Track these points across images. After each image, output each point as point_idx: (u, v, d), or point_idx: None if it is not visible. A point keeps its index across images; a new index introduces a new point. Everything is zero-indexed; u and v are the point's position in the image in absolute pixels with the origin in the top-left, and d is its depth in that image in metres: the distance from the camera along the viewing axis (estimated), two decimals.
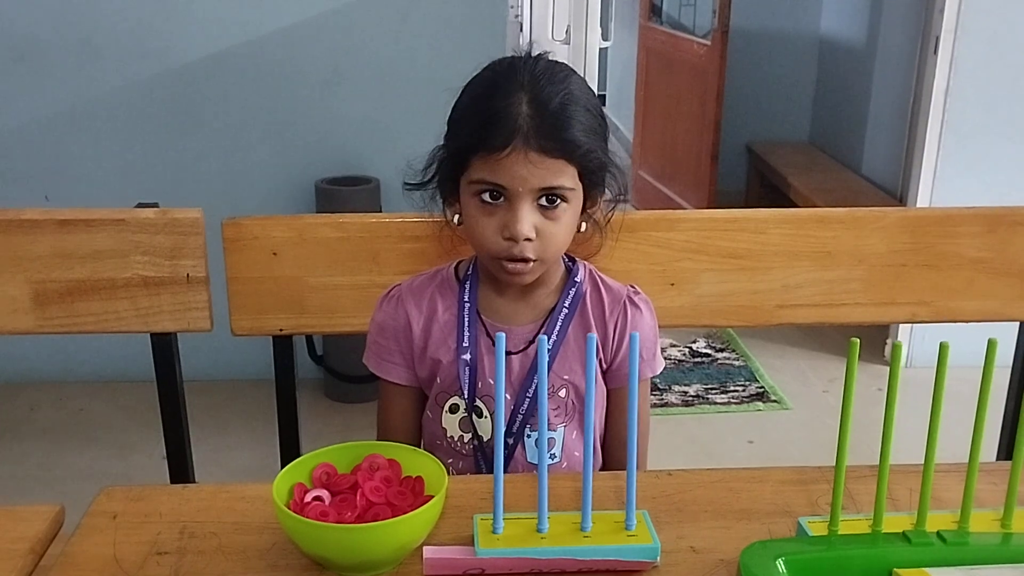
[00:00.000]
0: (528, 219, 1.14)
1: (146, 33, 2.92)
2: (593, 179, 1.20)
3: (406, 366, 1.29)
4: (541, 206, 1.15)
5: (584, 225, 1.26)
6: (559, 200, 1.15)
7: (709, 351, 3.50)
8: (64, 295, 1.42)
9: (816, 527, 0.85)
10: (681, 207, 4.35)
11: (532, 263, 1.17)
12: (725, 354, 3.49)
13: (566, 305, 1.26)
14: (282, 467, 1.54)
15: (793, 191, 4.46)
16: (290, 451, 1.55)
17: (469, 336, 1.25)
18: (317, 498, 0.85)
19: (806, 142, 5.30)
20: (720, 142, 4.36)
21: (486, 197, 1.15)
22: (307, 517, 0.81)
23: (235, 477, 2.66)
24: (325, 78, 2.99)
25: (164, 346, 1.47)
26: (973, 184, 3.24)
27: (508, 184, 1.13)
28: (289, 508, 0.83)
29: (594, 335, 0.88)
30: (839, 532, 0.83)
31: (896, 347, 0.79)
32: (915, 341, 3.37)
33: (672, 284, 1.50)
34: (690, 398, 3.20)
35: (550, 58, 1.20)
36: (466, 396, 1.24)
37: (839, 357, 3.51)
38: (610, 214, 1.31)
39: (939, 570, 0.79)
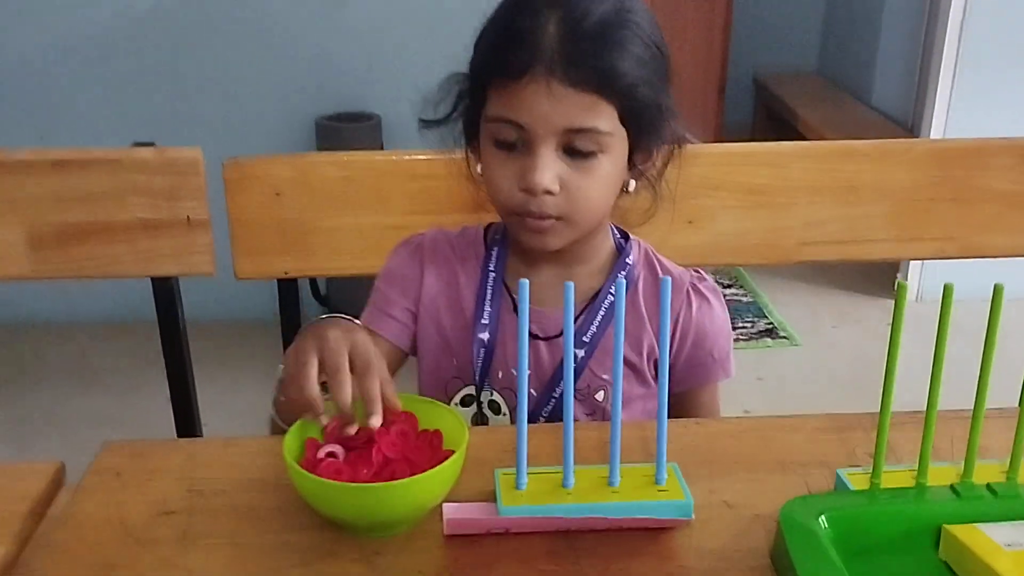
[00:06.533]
0: (548, 168, 0.93)
1: None
2: (642, 123, 0.97)
3: (404, 324, 1.09)
4: (567, 154, 0.94)
5: (633, 183, 1.03)
6: (589, 146, 0.94)
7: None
8: (60, 239, 1.37)
9: (857, 480, 0.80)
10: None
11: (553, 222, 0.96)
12: (733, 290, 3.44)
13: (612, 290, 1.04)
14: None
15: (801, 123, 4.37)
16: None
17: (490, 313, 1.06)
18: (330, 454, 0.80)
19: (814, 73, 5.19)
20: (727, 74, 4.27)
21: (502, 141, 0.95)
22: (321, 475, 0.77)
23: (242, 419, 2.62)
24: (324, 10, 2.90)
25: (165, 291, 1.43)
26: (990, 116, 3.15)
27: (525, 122, 0.92)
28: (301, 466, 0.78)
29: (623, 281, 0.75)
30: (882, 486, 0.79)
31: (947, 289, 0.74)
32: (926, 274, 3.32)
33: (689, 222, 1.44)
34: None
35: None
36: (477, 382, 1.07)
37: (848, 292, 3.46)
38: (663, 168, 1.06)
39: (990, 525, 0.74)
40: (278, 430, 0.89)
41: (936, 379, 0.78)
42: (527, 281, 0.76)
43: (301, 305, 1.49)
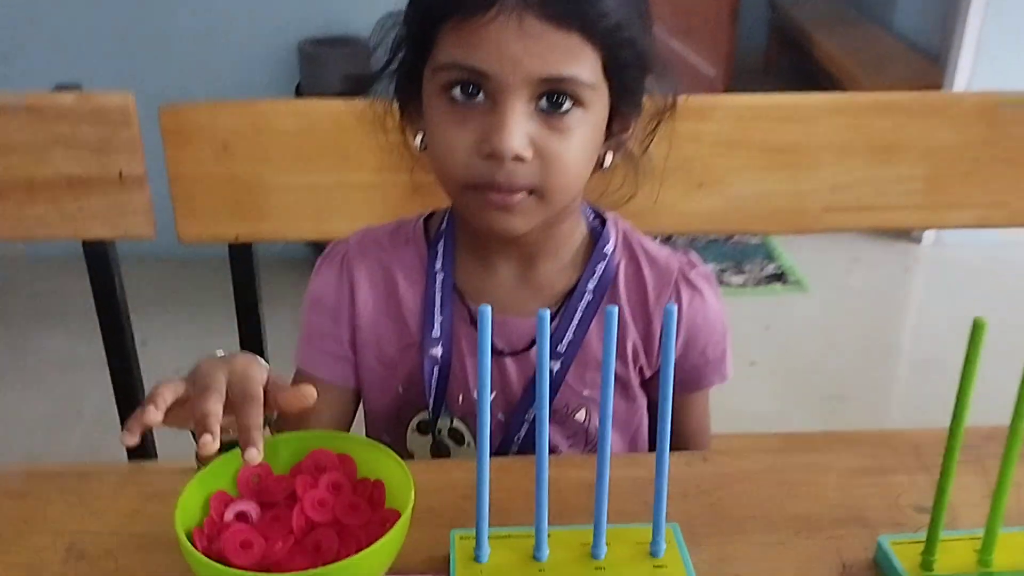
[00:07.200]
0: (520, 126, 0.74)
1: None
2: (625, 79, 0.79)
3: (344, 359, 0.92)
4: (542, 110, 0.75)
5: (610, 156, 0.85)
6: (569, 101, 0.75)
7: None
8: None
9: (904, 552, 0.64)
10: (696, 68, 4.06)
11: (525, 197, 0.77)
12: None
13: (590, 288, 0.87)
14: None
15: (818, 49, 4.14)
16: None
17: (442, 323, 0.88)
18: (241, 515, 0.64)
19: None
20: None
21: (457, 93, 0.76)
22: (223, 546, 0.60)
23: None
24: None
25: (99, 256, 1.25)
26: None
27: (490, 68, 0.73)
28: (203, 530, 0.62)
29: (615, 308, 0.58)
30: (937, 567, 0.63)
31: None
32: None
33: (700, 184, 1.26)
34: None
35: None
36: (431, 408, 0.90)
37: (863, 233, 3.27)
38: (649, 139, 0.87)
39: None
40: None
41: (1017, 433, 0.61)
42: (488, 308, 0.58)
43: (256, 268, 1.31)
